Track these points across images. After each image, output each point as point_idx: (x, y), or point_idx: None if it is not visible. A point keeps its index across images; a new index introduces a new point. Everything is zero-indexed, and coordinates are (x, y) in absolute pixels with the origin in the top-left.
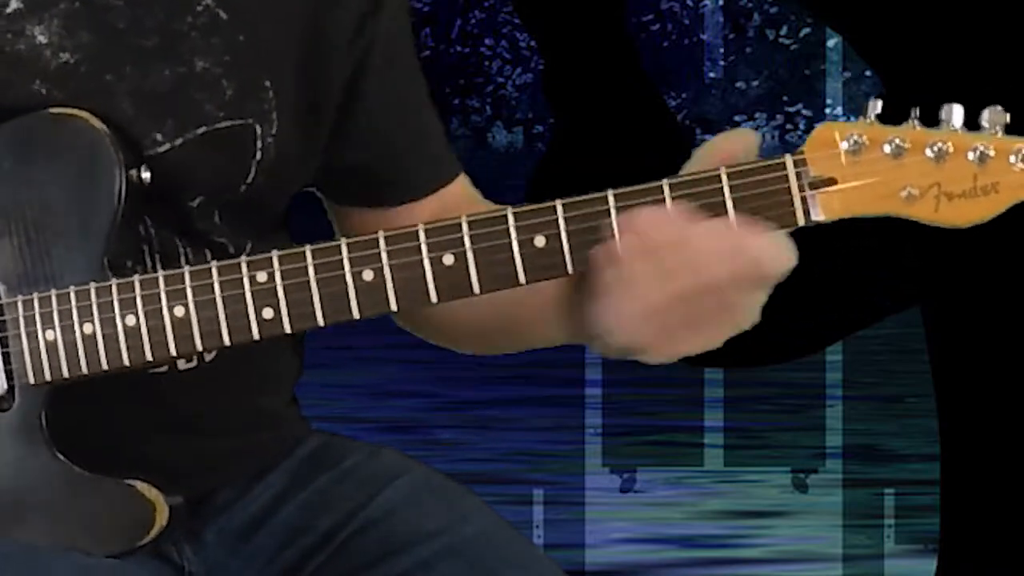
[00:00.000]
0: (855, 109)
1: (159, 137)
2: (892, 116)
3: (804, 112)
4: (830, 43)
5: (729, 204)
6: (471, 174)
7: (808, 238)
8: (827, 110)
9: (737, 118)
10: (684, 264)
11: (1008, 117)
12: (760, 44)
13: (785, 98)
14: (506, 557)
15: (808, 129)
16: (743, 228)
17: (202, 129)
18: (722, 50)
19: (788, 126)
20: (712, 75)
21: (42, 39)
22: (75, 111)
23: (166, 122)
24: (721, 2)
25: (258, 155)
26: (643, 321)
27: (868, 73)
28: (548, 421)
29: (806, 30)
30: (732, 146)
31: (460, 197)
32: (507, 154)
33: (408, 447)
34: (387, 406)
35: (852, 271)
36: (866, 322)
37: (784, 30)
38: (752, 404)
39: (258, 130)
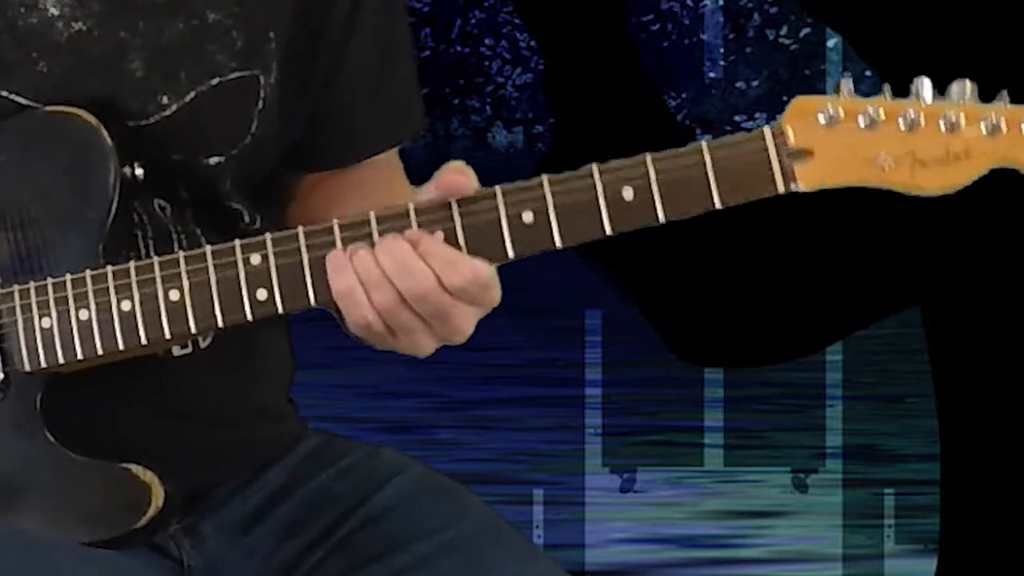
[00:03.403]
0: None
1: (165, 99)
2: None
3: None
4: (830, 43)
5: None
6: None
7: (808, 238)
8: None
9: (737, 118)
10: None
11: (976, 88)
12: (760, 44)
13: (785, 98)
14: (505, 553)
15: None
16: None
17: (215, 80)
18: (722, 50)
19: None
20: (712, 75)
21: (54, 11)
22: (71, 109)
23: (179, 76)
24: (721, 2)
25: (260, 104)
26: (355, 327)
27: (868, 73)
28: (548, 421)
29: (806, 30)
30: (453, 178)
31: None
32: (507, 154)
33: (408, 447)
34: (387, 406)
35: (851, 271)
36: (866, 322)
37: (784, 30)
38: (752, 404)
39: (261, 79)
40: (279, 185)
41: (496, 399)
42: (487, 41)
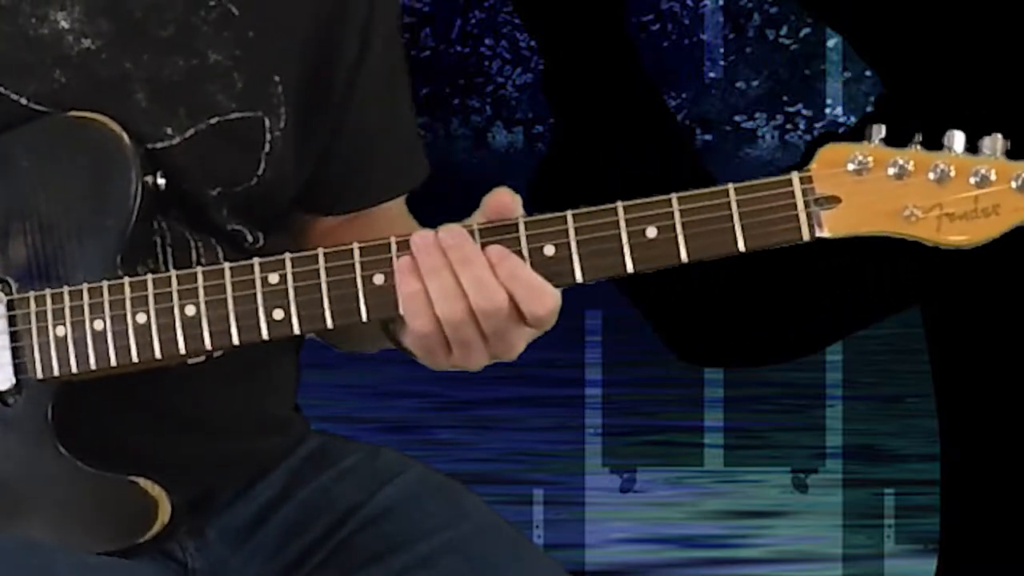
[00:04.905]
0: (855, 109)
1: (169, 131)
2: (892, 131)
3: (804, 112)
4: (830, 43)
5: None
6: (471, 174)
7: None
8: (827, 110)
9: (737, 118)
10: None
11: (1008, 144)
12: (760, 44)
13: (785, 98)
14: (505, 553)
15: (808, 129)
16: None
17: (214, 119)
18: (722, 50)
19: (788, 126)
20: (712, 75)
21: (64, 24)
22: (95, 115)
23: (178, 111)
24: (721, 2)
25: (267, 147)
26: (415, 336)
27: (868, 73)
28: (548, 421)
29: (806, 30)
30: (497, 201)
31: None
32: (507, 154)
33: (408, 447)
34: (387, 406)
35: (851, 271)
36: (866, 322)
37: (784, 30)
38: (752, 404)
39: (267, 123)
40: (290, 221)
41: (496, 399)
42: (487, 41)
